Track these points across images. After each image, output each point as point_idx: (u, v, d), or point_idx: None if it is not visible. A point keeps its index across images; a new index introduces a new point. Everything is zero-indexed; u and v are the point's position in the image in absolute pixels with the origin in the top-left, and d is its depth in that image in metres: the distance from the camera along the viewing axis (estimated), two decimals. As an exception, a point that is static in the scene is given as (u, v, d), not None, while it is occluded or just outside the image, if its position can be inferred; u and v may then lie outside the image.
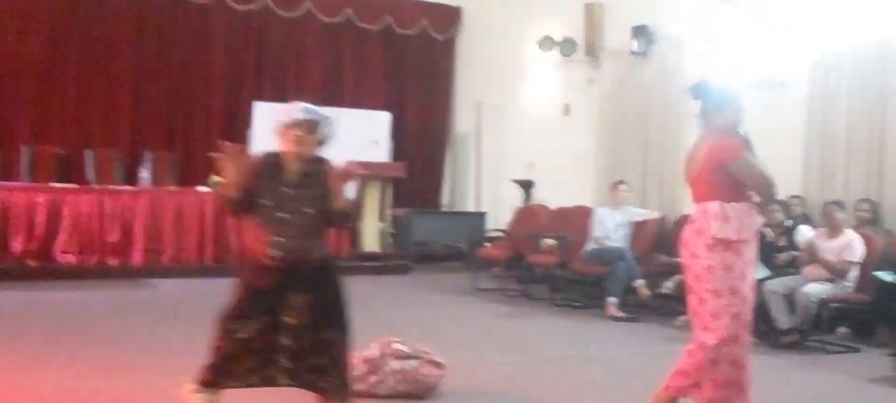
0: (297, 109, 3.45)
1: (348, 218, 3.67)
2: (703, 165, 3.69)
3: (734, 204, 3.63)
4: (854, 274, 6.26)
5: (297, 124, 3.41)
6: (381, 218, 10.48)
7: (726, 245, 3.60)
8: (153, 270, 8.94)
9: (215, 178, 3.65)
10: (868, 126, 7.29)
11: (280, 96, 11.69)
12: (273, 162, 3.44)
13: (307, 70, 12.02)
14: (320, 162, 3.51)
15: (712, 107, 3.76)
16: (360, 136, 11.37)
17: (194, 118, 11.36)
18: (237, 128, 11.39)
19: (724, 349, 3.60)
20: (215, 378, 3.33)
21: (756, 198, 3.72)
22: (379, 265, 10.20)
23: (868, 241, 6.32)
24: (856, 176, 7.39)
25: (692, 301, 3.73)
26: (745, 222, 3.64)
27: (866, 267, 6.26)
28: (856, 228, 6.61)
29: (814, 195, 7.68)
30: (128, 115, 11.06)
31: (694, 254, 3.68)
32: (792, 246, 6.90)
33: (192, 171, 10.85)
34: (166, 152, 10.86)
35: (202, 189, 9.74)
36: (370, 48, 12.46)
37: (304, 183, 3.41)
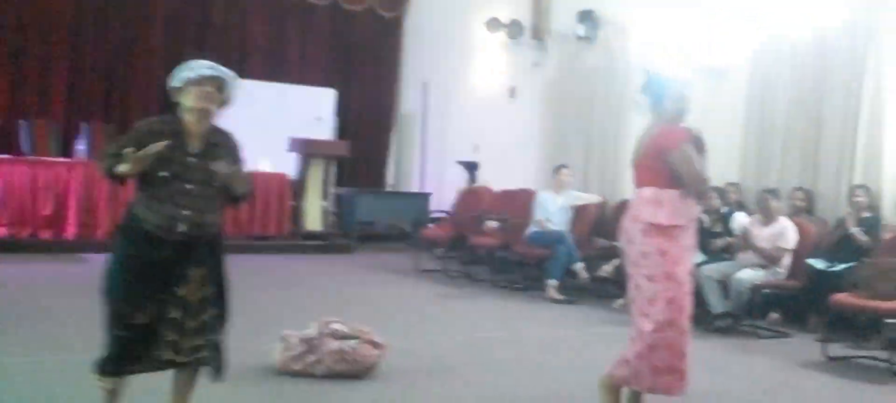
0: (202, 66, 3.14)
1: (245, 199, 3.39)
2: (645, 152, 3.73)
3: (669, 190, 3.65)
4: (787, 261, 6.40)
5: (205, 80, 3.10)
6: (324, 196, 10.38)
7: (660, 230, 3.61)
8: (87, 244, 8.72)
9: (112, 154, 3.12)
10: (805, 116, 7.43)
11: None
12: (173, 128, 3.08)
13: (251, 44, 11.84)
14: (223, 132, 3.24)
15: (659, 97, 3.79)
16: (304, 113, 11.26)
17: (133, 90, 11.09)
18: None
19: (660, 334, 3.62)
20: (117, 368, 3.05)
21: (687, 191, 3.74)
22: (321, 244, 10.11)
23: (801, 229, 6.46)
24: (791, 164, 7.54)
25: (630, 287, 3.76)
26: (679, 208, 3.64)
27: (799, 254, 6.40)
28: (790, 216, 6.76)
29: (750, 182, 7.83)
30: (64, 86, 10.75)
31: (630, 240, 3.72)
32: (727, 232, 7.02)
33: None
34: (104, 124, 10.58)
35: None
36: (316, 24, 12.32)
37: (208, 152, 3.11)
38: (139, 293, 3.01)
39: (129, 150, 2.92)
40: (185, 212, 3.03)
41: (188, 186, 3.06)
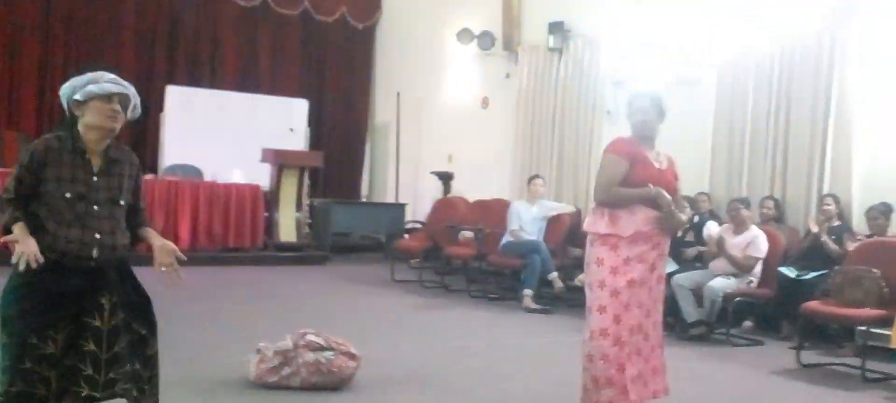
0: (108, 80, 2.85)
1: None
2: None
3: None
4: (758, 269, 6.45)
5: (113, 96, 2.82)
6: (298, 207, 10.30)
7: (600, 240, 3.63)
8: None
9: None
10: (773, 125, 7.51)
11: (194, 81, 11.42)
12: (72, 146, 2.80)
13: (222, 55, 11.75)
14: (123, 148, 2.96)
15: (627, 110, 3.83)
16: (276, 123, 11.18)
17: (103, 101, 10.93)
18: (149, 114, 11.04)
19: (594, 343, 3.57)
20: None
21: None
22: (296, 255, 10.03)
23: (772, 238, 6.52)
24: (761, 174, 7.61)
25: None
26: (620, 218, 3.61)
27: (770, 262, 6.45)
28: (760, 225, 6.82)
29: (721, 192, 7.89)
30: (33, 98, 10.60)
31: (585, 251, 3.78)
32: (699, 241, 7.06)
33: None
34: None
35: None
36: (287, 34, 12.26)
37: (111, 170, 2.86)
38: (48, 322, 2.72)
39: (18, 227, 2.69)
40: (96, 236, 2.79)
41: (95, 208, 2.81)
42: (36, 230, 2.73)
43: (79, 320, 2.78)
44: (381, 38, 12.85)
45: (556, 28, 9.51)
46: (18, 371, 2.69)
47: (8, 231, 2.71)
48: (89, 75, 2.85)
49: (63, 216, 2.77)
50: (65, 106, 2.86)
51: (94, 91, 2.81)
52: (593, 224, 3.67)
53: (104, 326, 2.81)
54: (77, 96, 2.82)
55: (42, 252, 2.69)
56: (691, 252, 7.02)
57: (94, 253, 2.79)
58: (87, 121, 2.82)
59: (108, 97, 2.82)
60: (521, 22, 10.29)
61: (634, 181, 3.65)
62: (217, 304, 6.98)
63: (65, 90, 2.86)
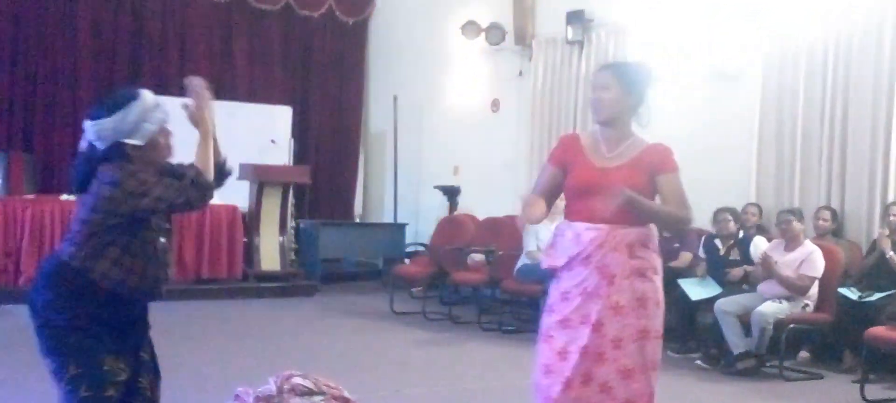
0: (150, 107, 3.14)
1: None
2: None
3: (559, 219, 3.53)
4: (814, 291, 6.43)
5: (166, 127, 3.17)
6: (282, 231, 10.30)
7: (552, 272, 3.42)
8: (8, 294, 8.56)
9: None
10: (828, 125, 7.50)
11: (161, 87, 11.41)
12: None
13: (192, 57, 11.78)
14: None
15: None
16: (256, 135, 11.20)
17: (57, 114, 10.98)
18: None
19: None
20: None
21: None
22: (280, 286, 10.03)
23: (829, 254, 6.50)
24: (814, 181, 7.59)
25: None
26: (557, 242, 3.43)
27: (828, 282, 6.43)
28: (815, 239, 6.80)
29: (769, 202, 7.87)
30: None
31: None
32: (746, 259, 7.05)
33: (53, 177, 10.55)
34: (23, 154, 10.46)
35: (67, 197, 9.40)
36: (267, 32, 12.31)
37: None
38: (120, 349, 3.03)
39: None
40: (166, 271, 3.15)
41: (162, 240, 3.13)
42: (121, 260, 3.03)
43: (136, 352, 3.12)
44: (374, 34, 12.88)
45: (575, 18, 9.53)
46: (103, 399, 2.98)
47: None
48: (134, 112, 3.05)
49: (135, 248, 3.06)
50: (101, 144, 3.04)
51: (154, 130, 3.10)
52: (544, 255, 3.58)
53: (148, 358, 3.18)
54: (135, 141, 3.05)
55: (122, 283, 3.03)
56: (737, 273, 7.01)
57: (163, 289, 3.15)
58: (149, 158, 3.10)
59: (166, 126, 3.13)
60: (536, 12, 10.32)
61: (568, 187, 3.46)
62: (189, 344, 6.97)
63: (107, 132, 3.03)
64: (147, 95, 3.13)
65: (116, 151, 3.04)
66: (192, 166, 3.17)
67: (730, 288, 6.90)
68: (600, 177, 3.34)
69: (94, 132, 3.05)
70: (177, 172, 3.15)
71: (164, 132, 3.16)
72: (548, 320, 3.39)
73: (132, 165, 3.04)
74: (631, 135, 3.47)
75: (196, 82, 3.23)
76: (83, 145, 3.12)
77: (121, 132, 3.05)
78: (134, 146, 3.06)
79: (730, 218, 7.17)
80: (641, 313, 3.29)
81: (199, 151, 3.24)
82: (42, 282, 3.05)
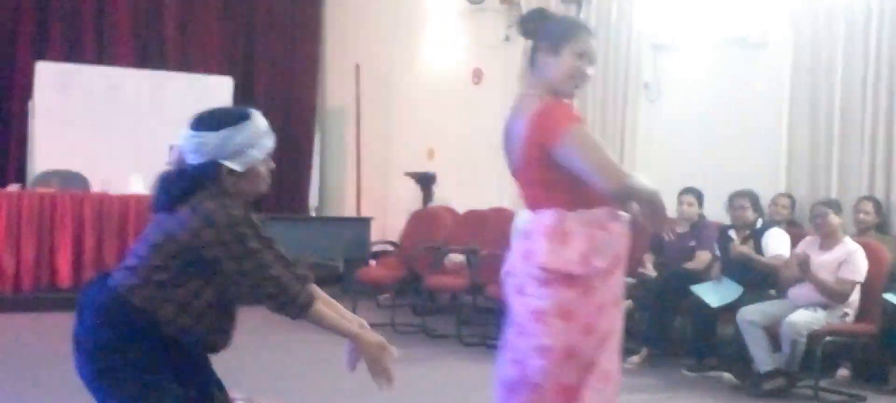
0: (259, 130, 3.22)
1: None
2: (523, 152, 3.40)
3: (582, 210, 3.31)
4: (855, 297, 6.47)
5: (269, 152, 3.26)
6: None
7: (568, 278, 3.28)
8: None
9: None
10: (871, 102, 7.55)
11: (74, 55, 11.36)
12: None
13: (112, 18, 11.70)
14: None
15: (538, 48, 3.44)
16: (189, 110, 10.95)
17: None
18: (12, 100, 10.99)
19: None
20: None
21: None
22: (219, 292, 10.00)
23: (872, 253, 6.54)
24: (855, 168, 7.65)
25: (504, 363, 3.47)
26: (597, 241, 3.32)
27: (871, 287, 6.48)
28: (856, 236, 6.84)
29: (801, 192, 7.93)
30: None
31: (519, 289, 3.40)
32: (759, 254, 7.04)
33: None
34: None
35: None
36: (203, -12, 12.24)
37: None
38: (181, 392, 3.13)
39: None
40: (235, 324, 3.28)
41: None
42: (191, 305, 3.09)
43: (205, 393, 3.23)
44: (332, -10, 12.86)
45: (572, -28, 9.55)
46: None
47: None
48: (243, 135, 3.13)
49: (223, 301, 3.17)
50: (196, 159, 3.12)
51: (258, 158, 3.18)
52: (555, 254, 3.30)
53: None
54: (234, 165, 3.11)
55: (189, 333, 3.10)
56: (739, 249, 6.96)
57: (230, 342, 3.25)
58: (242, 188, 3.17)
59: (268, 154, 3.22)
60: (525, -35, 10.33)
61: None
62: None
63: (207, 148, 3.11)
64: (258, 118, 3.22)
65: (210, 171, 3.10)
66: (307, 268, 3.30)
67: (752, 291, 6.91)
68: None
69: (192, 143, 3.12)
70: (285, 257, 3.23)
71: (267, 161, 3.24)
72: (584, 342, 3.30)
73: (236, 210, 3.08)
74: None
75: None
76: (172, 156, 3.20)
77: (223, 152, 3.11)
78: (231, 170, 3.12)
79: (747, 205, 7.15)
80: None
81: (335, 320, 3.45)
82: (96, 318, 3.08)
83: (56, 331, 8.08)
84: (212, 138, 3.11)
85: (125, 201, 9.68)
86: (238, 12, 12.46)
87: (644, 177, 3.29)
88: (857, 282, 6.45)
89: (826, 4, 7.80)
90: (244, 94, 12.05)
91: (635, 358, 7.25)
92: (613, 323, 3.39)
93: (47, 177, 10.19)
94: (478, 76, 10.92)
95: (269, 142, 3.23)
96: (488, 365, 7.23)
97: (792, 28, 8.03)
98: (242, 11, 12.49)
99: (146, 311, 3.03)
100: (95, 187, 10.08)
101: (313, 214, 12.67)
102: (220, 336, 3.21)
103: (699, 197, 7.56)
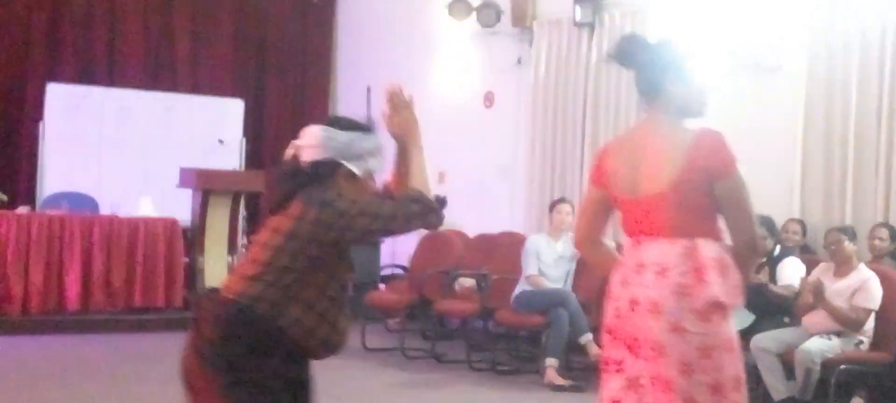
0: (380, 148, 3.35)
1: None
2: (682, 175, 3.30)
3: (722, 243, 3.33)
4: (870, 324, 6.44)
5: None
6: (232, 249, 10.26)
7: (725, 310, 3.27)
8: None
9: None
10: (887, 127, 7.53)
11: (85, 77, 11.40)
12: None
13: (125, 39, 11.76)
14: None
15: (661, 72, 3.47)
16: (200, 133, 11.18)
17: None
18: (23, 122, 11.03)
19: None
20: None
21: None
22: (227, 315, 9.98)
23: (888, 281, 6.52)
24: (870, 193, 7.62)
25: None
26: (736, 275, 3.33)
27: (888, 315, 6.45)
28: (872, 263, 6.81)
29: (815, 218, 7.90)
30: None
31: (678, 327, 3.25)
32: (773, 283, 7.02)
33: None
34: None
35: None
36: (215, 10, 12.29)
37: None
38: None
39: None
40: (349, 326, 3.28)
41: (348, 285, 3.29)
42: (316, 305, 3.14)
43: None
44: (344, 13, 12.88)
45: (584, -4, 9.57)
46: None
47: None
48: (368, 143, 3.28)
49: (342, 295, 3.22)
50: (317, 154, 3.21)
51: (375, 169, 3.31)
52: (723, 287, 3.28)
53: None
54: (354, 168, 3.24)
55: (313, 333, 3.15)
56: (777, 291, 6.96)
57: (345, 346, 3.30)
58: (356, 196, 3.21)
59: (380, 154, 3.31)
60: (537, -11, 10.35)
61: None
62: (118, 388, 6.92)
63: (335, 144, 3.23)
64: (381, 135, 3.35)
65: (329, 168, 3.22)
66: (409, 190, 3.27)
67: (765, 319, 6.88)
68: None
69: (320, 138, 3.22)
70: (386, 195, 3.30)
71: (375, 181, 3.35)
72: (743, 373, 3.34)
73: (341, 187, 3.19)
74: None
75: (390, 86, 3.41)
76: (288, 152, 3.25)
77: (348, 152, 3.24)
78: (349, 173, 3.23)
79: (763, 232, 7.12)
80: None
81: (409, 168, 3.33)
82: (225, 331, 3.10)
83: (64, 354, 8.12)
84: (340, 136, 3.23)
85: (134, 224, 9.68)
86: (250, 35, 12.50)
87: None
88: (872, 310, 6.43)
89: (841, 30, 7.78)
90: (255, 118, 12.10)
91: (647, 385, 7.20)
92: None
93: (57, 198, 10.22)
94: (490, 100, 10.92)
95: (383, 160, 3.34)
96: (498, 391, 7.22)
97: (806, 53, 8.01)
98: (254, 34, 12.54)
99: (271, 319, 3.07)
100: (105, 209, 10.10)
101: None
102: (341, 335, 3.25)
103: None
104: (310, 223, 3.09)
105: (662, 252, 3.30)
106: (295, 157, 3.24)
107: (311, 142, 3.23)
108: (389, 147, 3.36)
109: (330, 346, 3.22)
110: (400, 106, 3.37)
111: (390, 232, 3.28)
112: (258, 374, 3.08)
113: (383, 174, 3.36)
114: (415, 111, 3.40)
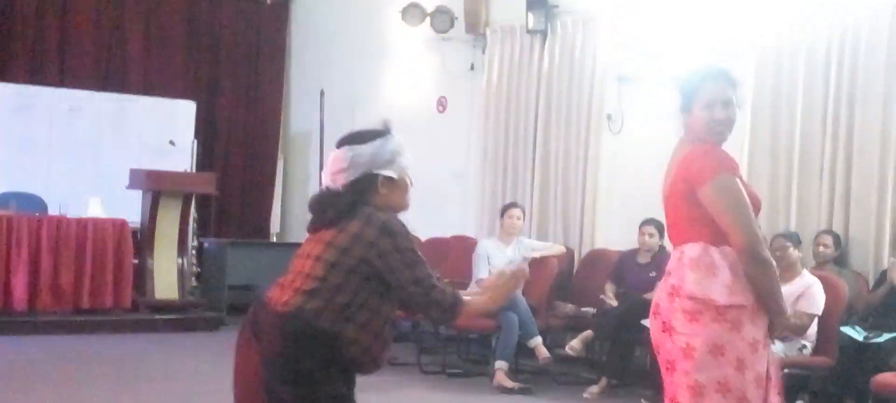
0: (404, 145, 3.40)
1: None
2: (672, 187, 3.58)
3: (726, 247, 3.42)
4: (813, 329, 6.53)
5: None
6: (182, 251, 10.20)
7: (715, 311, 3.37)
8: None
9: None
10: (832, 135, 7.60)
11: (35, 77, 11.29)
12: None
13: (76, 39, 11.65)
14: None
15: (687, 99, 3.63)
16: (151, 134, 11.12)
17: None
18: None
19: None
20: None
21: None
22: (177, 318, 9.93)
23: (830, 287, 6.61)
24: (814, 200, 7.70)
25: None
26: (741, 277, 3.39)
27: (829, 320, 6.54)
28: (815, 269, 6.91)
29: (761, 224, 7.95)
30: None
31: (668, 327, 3.45)
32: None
33: None
34: None
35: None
36: (167, 10, 12.20)
37: None
38: None
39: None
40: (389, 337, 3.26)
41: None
42: (371, 323, 3.15)
43: None
44: (297, 15, 12.84)
45: (537, 4, 9.60)
46: None
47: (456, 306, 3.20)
48: (392, 145, 3.32)
49: (392, 314, 3.23)
50: (351, 174, 3.26)
51: (408, 165, 3.34)
52: (701, 284, 3.40)
53: None
54: (390, 173, 3.28)
55: (368, 352, 3.18)
56: None
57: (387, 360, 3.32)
58: (391, 202, 3.30)
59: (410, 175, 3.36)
60: (491, -5, 10.39)
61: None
62: (67, 389, 6.86)
63: (363, 159, 3.27)
64: (397, 133, 3.39)
65: (367, 184, 3.26)
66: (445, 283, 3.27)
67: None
68: (757, 201, 3.63)
69: (347, 159, 3.26)
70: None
71: (409, 178, 3.38)
72: (738, 379, 3.36)
73: (399, 222, 3.22)
74: None
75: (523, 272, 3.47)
76: (325, 179, 3.35)
77: (377, 161, 3.27)
78: (387, 178, 3.28)
79: (784, 243, 7.07)
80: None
81: (477, 304, 3.42)
82: (292, 347, 3.08)
83: (10, 355, 8.03)
84: (365, 150, 3.27)
85: (83, 225, 9.60)
86: (202, 36, 12.44)
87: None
88: (815, 315, 6.51)
89: (788, 40, 7.87)
90: (207, 119, 12.05)
91: (594, 388, 7.28)
92: (769, 366, 3.46)
93: (5, 198, 10.10)
94: (442, 105, 10.94)
95: (410, 157, 3.38)
96: (448, 394, 7.25)
97: (754, 62, 8.10)
98: (207, 36, 12.48)
99: (333, 334, 3.08)
100: (53, 210, 10.00)
101: (274, 240, 12.61)
102: (386, 353, 3.27)
103: (660, 228, 7.61)
104: (366, 244, 3.12)
105: (670, 258, 3.60)
106: (328, 188, 3.29)
107: (339, 167, 3.26)
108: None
109: (379, 363, 3.25)
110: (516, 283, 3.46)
111: (411, 304, 3.25)
112: (329, 387, 3.12)
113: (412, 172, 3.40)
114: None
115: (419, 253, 3.19)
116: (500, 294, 3.37)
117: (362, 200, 3.21)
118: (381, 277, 3.12)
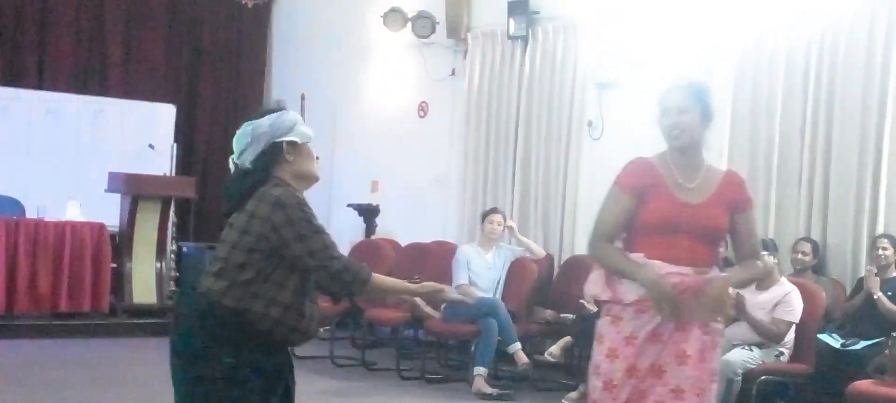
0: (303, 125, 3.47)
1: None
2: None
3: (635, 255, 3.79)
4: (791, 336, 6.57)
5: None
6: (160, 255, 10.18)
7: (604, 307, 3.86)
8: None
9: None
10: (810, 142, 7.65)
11: (13, 79, 11.24)
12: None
13: (55, 42, 11.62)
14: None
15: (657, 114, 3.99)
16: (131, 138, 11.10)
17: None
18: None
19: None
20: None
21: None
22: (156, 323, 9.87)
23: (808, 294, 6.65)
24: (792, 208, 7.75)
25: None
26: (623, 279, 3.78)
27: (806, 327, 6.58)
28: (793, 277, 6.95)
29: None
30: None
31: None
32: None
33: None
34: None
35: None
36: (147, 13, 12.17)
37: None
38: (270, 399, 3.29)
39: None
40: (317, 314, 3.40)
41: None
42: (279, 296, 3.24)
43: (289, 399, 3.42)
44: (279, 19, 12.83)
45: (518, 9, 9.64)
46: None
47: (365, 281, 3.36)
48: (290, 116, 3.41)
49: (307, 287, 3.31)
50: (255, 149, 3.33)
51: (308, 133, 3.41)
52: (591, 284, 3.88)
53: None
54: (293, 137, 3.36)
55: (282, 324, 3.24)
56: None
57: (316, 329, 3.42)
58: (300, 169, 3.40)
59: (309, 139, 3.43)
60: (472, 1, 10.41)
61: (646, 222, 3.75)
62: (42, 394, 6.84)
63: (262, 130, 3.33)
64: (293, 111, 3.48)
65: (272, 154, 3.33)
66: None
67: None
68: (686, 214, 3.73)
69: (249, 134, 3.33)
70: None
71: (309, 141, 3.47)
72: (610, 367, 3.72)
73: (300, 194, 3.33)
74: (704, 161, 3.88)
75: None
76: (232, 162, 3.42)
77: (278, 129, 3.34)
78: (291, 143, 3.35)
79: (763, 258, 7.13)
80: (703, 364, 3.75)
81: (394, 282, 3.75)
82: (192, 325, 3.22)
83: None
84: (264, 122, 3.34)
85: (61, 227, 9.56)
86: (183, 39, 12.42)
87: (649, 271, 3.65)
88: (793, 323, 6.54)
89: (768, 47, 7.92)
90: (187, 123, 12.03)
91: (573, 394, 7.30)
92: (652, 362, 3.71)
93: (-18, 201, 10.06)
94: (424, 109, 10.96)
95: (309, 130, 3.45)
96: (427, 399, 7.26)
97: (734, 69, 8.15)
98: (187, 38, 12.46)
99: (238, 311, 3.17)
100: (31, 213, 9.96)
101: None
102: (310, 322, 3.33)
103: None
104: (261, 220, 3.20)
105: None
106: (236, 168, 3.36)
107: (244, 143, 3.33)
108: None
109: (300, 333, 3.31)
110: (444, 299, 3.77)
111: (319, 276, 3.33)
112: (224, 365, 3.17)
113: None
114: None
115: (315, 224, 3.28)
116: (424, 290, 3.59)
117: (269, 175, 3.30)
118: (280, 251, 3.21)
